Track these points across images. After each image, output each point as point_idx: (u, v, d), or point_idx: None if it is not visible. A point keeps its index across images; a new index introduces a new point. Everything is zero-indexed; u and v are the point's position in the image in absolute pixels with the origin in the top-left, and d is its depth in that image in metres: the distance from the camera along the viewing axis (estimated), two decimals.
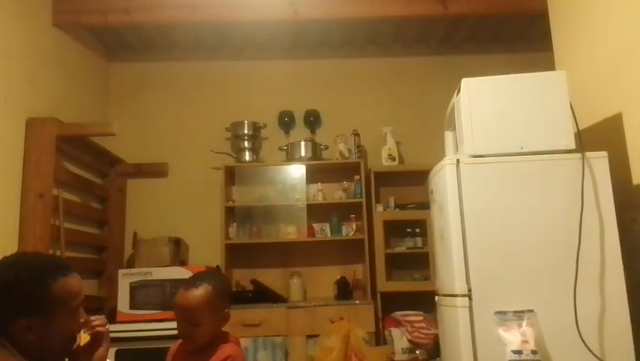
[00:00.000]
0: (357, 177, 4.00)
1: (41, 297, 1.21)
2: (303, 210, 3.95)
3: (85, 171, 3.78)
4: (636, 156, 2.22)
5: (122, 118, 4.24)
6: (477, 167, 2.20)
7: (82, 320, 1.34)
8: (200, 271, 1.90)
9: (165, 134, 4.36)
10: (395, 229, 3.98)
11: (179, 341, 1.73)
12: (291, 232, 3.96)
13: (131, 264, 3.96)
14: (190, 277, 1.70)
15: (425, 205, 3.44)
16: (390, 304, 3.77)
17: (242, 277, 3.98)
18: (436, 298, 2.55)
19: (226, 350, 1.64)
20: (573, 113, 2.21)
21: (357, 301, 3.70)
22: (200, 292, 1.61)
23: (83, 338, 1.39)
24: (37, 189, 3.06)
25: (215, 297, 1.63)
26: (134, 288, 3.52)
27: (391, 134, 4.13)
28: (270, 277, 4.00)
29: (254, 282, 3.80)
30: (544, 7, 2.98)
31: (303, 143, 4.11)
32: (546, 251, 2.11)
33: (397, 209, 4.03)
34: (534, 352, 1.91)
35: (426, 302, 3.40)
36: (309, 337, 3.53)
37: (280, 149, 4.23)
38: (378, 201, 4.01)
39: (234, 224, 3.99)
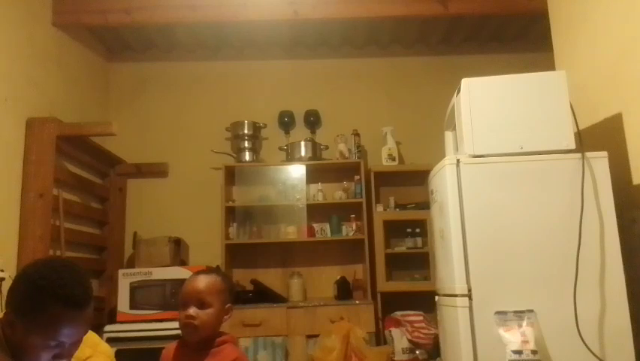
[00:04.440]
0: (357, 177, 4.00)
1: (33, 306, 1.20)
2: (303, 210, 3.95)
3: (85, 171, 3.78)
4: (636, 156, 2.22)
5: (122, 118, 4.25)
6: (477, 167, 2.20)
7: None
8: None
9: (165, 134, 4.36)
10: (395, 229, 3.98)
11: (173, 343, 1.72)
12: (291, 232, 3.96)
13: (131, 264, 3.96)
14: (199, 270, 1.77)
15: (425, 205, 3.45)
16: (390, 304, 3.78)
17: (242, 277, 3.98)
18: (436, 298, 2.55)
19: (229, 351, 1.63)
20: (573, 113, 2.22)
21: (357, 301, 3.70)
22: (212, 277, 1.68)
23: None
24: (37, 189, 3.06)
25: (224, 287, 1.69)
26: (134, 288, 3.52)
27: (391, 134, 4.13)
28: (270, 277, 4.01)
29: (254, 282, 3.80)
30: (544, 7, 2.99)
31: (303, 143, 4.11)
32: (546, 251, 2.11)
33: (397, 209, 4.03)
34: (534, 352, 1.92)
35: (426, 302, 3.41)
36: (309, 337, 3.53)
37: (280, 149, 4.23)
38: (378, 201, 4.02)
39: (234, 224, 3.99)
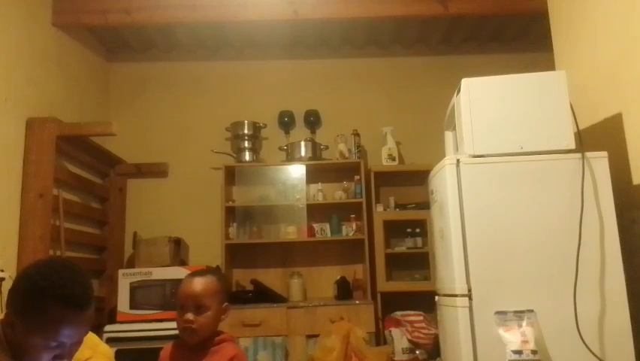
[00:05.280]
0: (357, 177, 4.00)
1: (33, 307, 1.20)
2: (303, 210, 3.95)
3: (85, 171, 3.78)
4: (636, 156, 2.22)
5: (122, 118, 4.24)
6: (477, 167, 2.20)
7: None
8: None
9: (165, 134, 4.36)
10: (395, 229, 3.98)
11: (168, 345, 1.72)
12: (291, 232, 3.95)
13: (131, 264, 3.96)
14: (193, 271, 1.77)
15: (425, 205, 3.45)
16: (390, 304, 3.77)
17: (242, 277, 3.98)
18: (436, 298, 2.55)
19: (229, 349, 1.64)
20: (573, 113, 2.22)
21: (357, 301, 3.69)
22: (207, 278, 1.68)
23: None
24: (37, 189, 3.06)
25: (220, 287, 1.69)
26: (134, 288, 3.52)
27: (391, 134, 4.13)
28: (270, 277, 4.00)
29: (254, 282, 3.80)
30: (544, 7, 2.99)
31: (303, 143, 4.11)
32: (546, 251, 2.11)
33: (397, 209, 4.03)
34: (534, 352, 1.91)
35: (426, 302, 3.41)
36: (309, 337, 3.53)
37: (280, 149, 4.23)
38: (378, 201, 4.01)
39: (234, 224, 3.99)
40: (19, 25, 3.13)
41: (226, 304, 1.70)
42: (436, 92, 4.10)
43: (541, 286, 2.08)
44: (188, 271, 1.79)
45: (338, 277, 3.88)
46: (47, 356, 1.21)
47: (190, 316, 1.60)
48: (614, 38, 2.34)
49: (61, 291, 1.21)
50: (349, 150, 4.08)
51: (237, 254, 4.07)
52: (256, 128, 4.15)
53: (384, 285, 3.82)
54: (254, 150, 4.12)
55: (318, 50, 4.52)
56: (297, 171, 4.05)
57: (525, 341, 1.94)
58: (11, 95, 3.01)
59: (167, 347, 1.72)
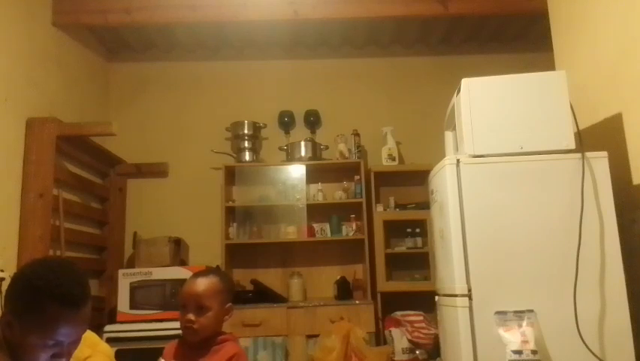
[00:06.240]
0: (357, 177, 4.00)
1: (30, 306, 1.20)
2: (303, 210, 3.95)
3: (85, 171, 3.78)
4: (636, 156, 2.22)
5: (122, 118, 4.24)
6: (477, 167, 2.20)
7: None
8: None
9: (165, 134, 4.36)
10: (395, 229, 3.98)
11: (173, 342, 1.73)
12: (291, 232, 3.95)
13: (131, 264, 3.96)
14: (197, 271, 1.77)
15: (425, 205, 3.45)
16: (390, 304, 3.78)
17: (242, 277, 3.98)
18: (436, 298, 2.55)
19: (230, 348, 1.65)
20: (573, 113, 2.22)
21: (357, 301, 3.70)
22: (210, 279, 1.69)
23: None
24: (37, 189, 3.06)
25: (223, 287, 1.70)
26: (134, 288, 3.52)
27: (391, 134, 4.13)
28: (270, 277, 4.01)
29: (254, 282, 3.80)
30: (544, 7, 2.99)
31: (303, 143, 4.11)
32: (546, 251, 2.11)
33: (397, 209, 4.03)
34: (534, 352, 1.91)
35: (426, 302, 3.41)
36: (309, 337, 3.53)
37: (280, 149, 4.23)
38: (378, 201, 4.01)
39: (234, 224, 3.99)
40: (19, 25, 3.13)
41: (229, 304, 1.71)
42: (436, 92, 4.10)
43: (541, 286, 2.08)
44: (189, 271, 1.80)
45: (338, 277, 3.88)
46: (45, 355, 1.21)
47: (191, 316, 1.61)
48: (614, 38, 2.34)
49: (57, 290, 1.21)
50: (349, 150, 4.08)
51: (237, 254, 4.07)
52: (256, 128, 4.15)
53: (384, 285, 3.82)
54: (254, 150, 4.12)
55: (318, 50, 4.52)
56: (297, 171, 4.05)
57: (525, 341, 1.94)
58: (11, 95, 3.01)
59: (171, 344, 1.74)
